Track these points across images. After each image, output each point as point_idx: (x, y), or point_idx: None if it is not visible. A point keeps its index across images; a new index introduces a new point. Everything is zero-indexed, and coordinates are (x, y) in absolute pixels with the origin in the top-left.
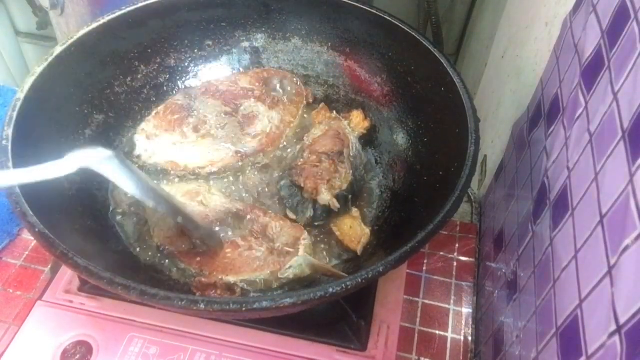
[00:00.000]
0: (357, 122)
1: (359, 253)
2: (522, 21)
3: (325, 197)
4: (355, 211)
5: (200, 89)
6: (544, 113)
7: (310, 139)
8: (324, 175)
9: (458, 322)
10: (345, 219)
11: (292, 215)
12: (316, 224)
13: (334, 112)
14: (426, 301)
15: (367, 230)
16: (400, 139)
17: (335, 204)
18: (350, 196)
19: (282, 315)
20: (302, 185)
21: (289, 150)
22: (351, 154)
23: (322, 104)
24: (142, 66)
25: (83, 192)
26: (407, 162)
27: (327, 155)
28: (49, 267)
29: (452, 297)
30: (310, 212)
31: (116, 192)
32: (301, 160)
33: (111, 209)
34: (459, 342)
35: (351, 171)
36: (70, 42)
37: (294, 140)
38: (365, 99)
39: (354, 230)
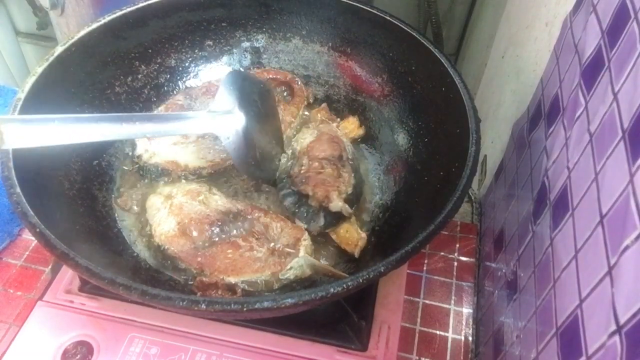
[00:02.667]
0: (351, 129)
1: (356, 255)
2: (522, 21)
3: (338, 203)
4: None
5: (201, 89)
6: (544, 113)
7: (303, 145)
8: (330, 181)
9: (458, 322)
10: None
11: (303, 225)
12: (327, 230)
13: (347, 113)
14: (426, 301)
15: (364, 235)
16: (401, 139)
17: (348, 209)
18: (354, 199)
19: (283, 316)
20: (311, 193)
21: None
22: (349, 157)
23: (323, 104)
24: (142, 66)
25: (84, 192)
26: (408, 162)
27: (328, 161)
28: (50, 267)
29: (453, 297)
30: (322, 220)
31: (117, 192)
32: (303, 168)
33: (112, 208)
34: (459, 342)
35: (353, 174)
36: (70, 42)
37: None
38: (366, 99)
39: (351, 234)
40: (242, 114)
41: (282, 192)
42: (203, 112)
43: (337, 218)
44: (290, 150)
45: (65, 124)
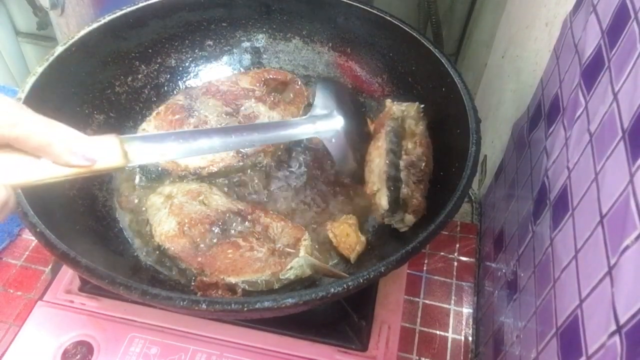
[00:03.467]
0: None
1: (352, 261)
2: (522, 21)
3: (413, 220)
4: (351, 217)
5: (201, 89)
6: (544, 113)
7: (419, 132)
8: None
9: (458, 322)
10: (341, 225)
11: (383, 201)
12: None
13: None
14: (427, 301)
15: (363, 239)
16: None
17: (404, 229)
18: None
19: (283, 316)
20: (411, 195)
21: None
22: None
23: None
24: (142, 66)
25: (84, 192)
26: None
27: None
28: (50, 267)
29: (453, 297)
30: (399, 217)
31: (117, 192)
32: (423, 164)
33: (112, 208)
34: (459, 342)
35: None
36: (70, 42)
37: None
38: (366, 99)
39: (350, 237)
40: (340, 116)
41: (400, 161)
42: (305, 117)
43: (400, 223)
44: (403, 113)
45: (181, 140)
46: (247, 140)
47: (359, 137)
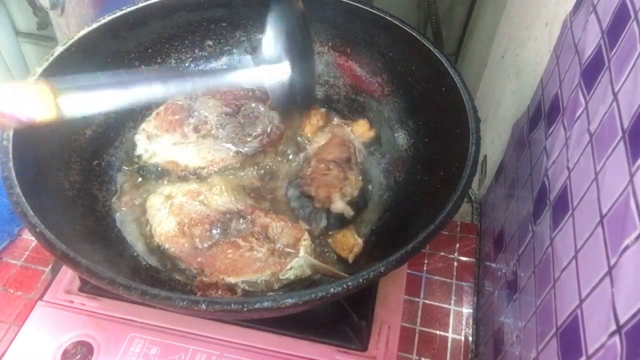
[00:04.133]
0: (362, 132)
1: (349, 261)
2: (522, 21)
3: (339, 205)
4: None
5: None
6: (544, 113)
7: (315, 148)
8: (334, 183)
9: (458, 322)
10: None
11: (305, 226)
12: (330, 232)
13: (356, 116)
14: (427, 301)
15: (360, 240)
16: (401, 139)
17: (349, 212)
18: (360, 202)
19: (283, 316)
20: (314, 194)
21: (290, 157)
22: (359, 160)
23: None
24: (142, 66)
25: (84, 192)
26: (408, 162)
27: (335, 163)
28: (50, 267)
29: (453, 297)
30: (324, 222)
31: (117, 192)
32: (309, 170)
33: (112, 208)
34: (459, 342)
35: (360, 177)
36: (70, 42)
37: (294, 145)
38: (366, 99)
39: (347, 238)
40: (288, 63)
41: (289, 193)
42: (251, 68)
43: (340, 220)
44: (304, 153)
45: (117, 85)
46: (188, 85)
47: (304, 73)
